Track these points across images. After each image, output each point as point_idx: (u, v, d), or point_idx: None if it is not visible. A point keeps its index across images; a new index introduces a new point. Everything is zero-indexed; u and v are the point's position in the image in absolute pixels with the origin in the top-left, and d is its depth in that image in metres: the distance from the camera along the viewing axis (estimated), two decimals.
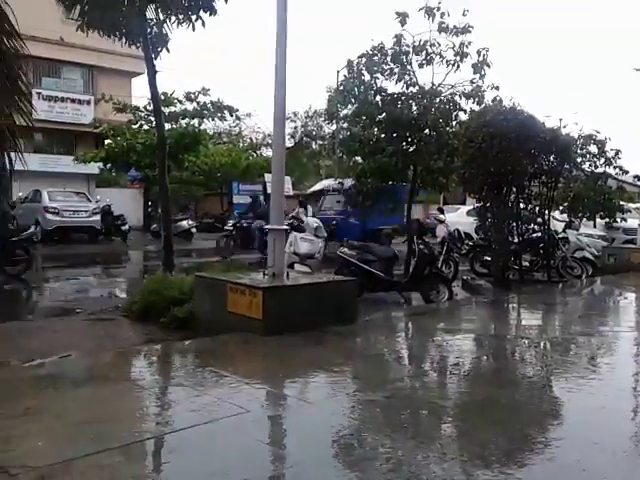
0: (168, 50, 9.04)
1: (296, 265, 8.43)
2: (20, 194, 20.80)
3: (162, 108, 10.85)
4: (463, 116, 10.93)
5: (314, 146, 40.05)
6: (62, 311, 7.97)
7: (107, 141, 22.36)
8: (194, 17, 8.41)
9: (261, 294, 5.55)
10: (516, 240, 10.32)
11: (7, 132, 4.20)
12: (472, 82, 10.93)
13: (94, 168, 23.02)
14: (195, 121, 21.17)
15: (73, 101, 25.36)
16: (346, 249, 8.50)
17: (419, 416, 3.69)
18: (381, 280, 8.18)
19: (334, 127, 27.87)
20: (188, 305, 6.44)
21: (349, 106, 12.34)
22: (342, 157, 18.88)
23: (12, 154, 4.32)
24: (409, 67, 11.04)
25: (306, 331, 5.58)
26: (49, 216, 17.97)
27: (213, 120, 22.49)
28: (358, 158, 12.61)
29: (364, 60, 11.08)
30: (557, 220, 13.01)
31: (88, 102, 25.49)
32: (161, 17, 8.59)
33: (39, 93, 24.15)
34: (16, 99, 4.32)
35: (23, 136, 5.19)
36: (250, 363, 5.04)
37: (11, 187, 21.38)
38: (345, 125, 14.38)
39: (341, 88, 12.01)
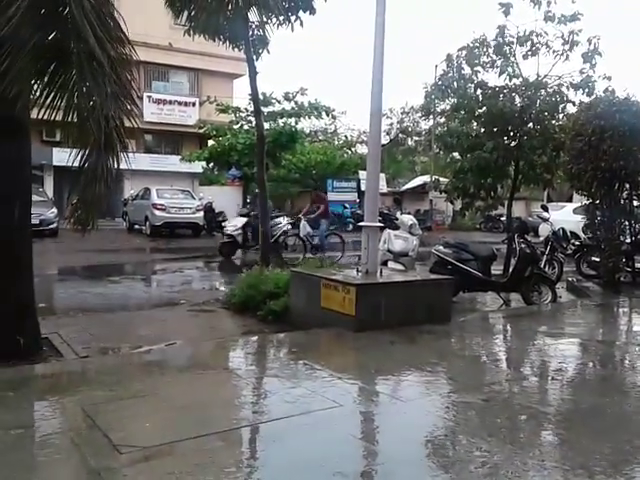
0: (269, 51, 9.31)
1: (390, 263, 8.37)
2: (132, 191, 22.30)
3: (261, 108, 11.15)
4: (571, 108, 10.36)
5: (410, 142, 39.48)
6: (168, 302, 8.43)
7: (210, 141, 23.34)
8: (293, 17, 8.59)
9: (354, 290, 5.58)
10: (628, 240, 9.66)
11: (117, 134, 4.50)
12: (581, 72, 10.35)
13: (198, 167, 24.16)
14: (292, 120, 21.59)
15: (180, 103, 26.75)
16: (441, 247, 8.32)
17: (517, 421, 3.54)
18: (478, 280, 7.93)
19: (431, 122, 27.42)
20: (283, 299, 6.61)
21: (447, 100, 12.05)
22: (439, 153, 18.48)
23: (121, 154, 4.62)
24: (512, 59, 10.66)
25: (398, 329, 5.55)
26: (157, 212, 19.11)
27: (309, 119, 22.80)
28: (455, 154, 12.29)
29: (464, 53, 10.81)
30: None
31: (193, 104, 26.79)
32: (262, 19, 8.84)
33: (149, 96, 25.76)
34: (125, 102, 4.61)
35: (133, 137, 5.54)
36: (342, 358, 5.08)
37: (122, 185, 23.11)
38: (442, 120, 14.08)
39: (439, 82, 11.73)
